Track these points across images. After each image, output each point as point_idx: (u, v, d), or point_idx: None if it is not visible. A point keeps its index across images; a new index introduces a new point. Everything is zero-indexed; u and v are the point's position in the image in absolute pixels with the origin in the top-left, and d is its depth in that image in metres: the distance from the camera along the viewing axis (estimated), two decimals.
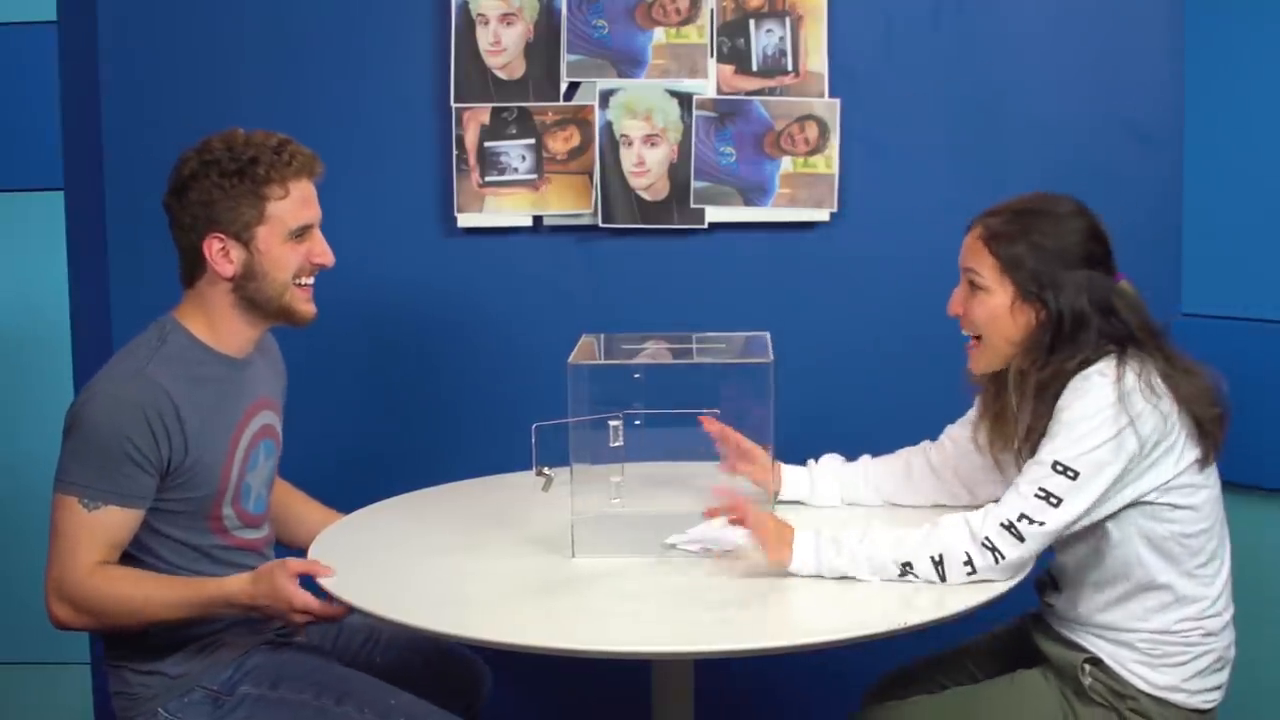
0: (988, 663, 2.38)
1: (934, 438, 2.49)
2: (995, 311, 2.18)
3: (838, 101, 2.96)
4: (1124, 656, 2.15)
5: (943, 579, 2.04)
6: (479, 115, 3.00)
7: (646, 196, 3.00)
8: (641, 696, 2.30)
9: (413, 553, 2.30)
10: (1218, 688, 2.18)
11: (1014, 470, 2.18)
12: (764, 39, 2.96)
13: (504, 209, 3.02)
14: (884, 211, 2.99)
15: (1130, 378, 2.08)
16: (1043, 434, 2.11)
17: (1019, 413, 2.15)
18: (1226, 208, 2.85)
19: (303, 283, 2.29)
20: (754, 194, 2.99)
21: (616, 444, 2.28)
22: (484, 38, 2.98)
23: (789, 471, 2.46)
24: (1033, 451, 2.12)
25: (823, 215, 2.99)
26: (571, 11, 2.97)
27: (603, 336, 2.51)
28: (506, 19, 2.97)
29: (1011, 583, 2.06)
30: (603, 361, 2.46)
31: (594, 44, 2.98)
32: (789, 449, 2.51)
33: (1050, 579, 2.28)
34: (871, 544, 2.06)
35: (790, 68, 2.97)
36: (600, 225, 3.01)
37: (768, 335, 2.40)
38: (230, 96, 3.01)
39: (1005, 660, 2.33)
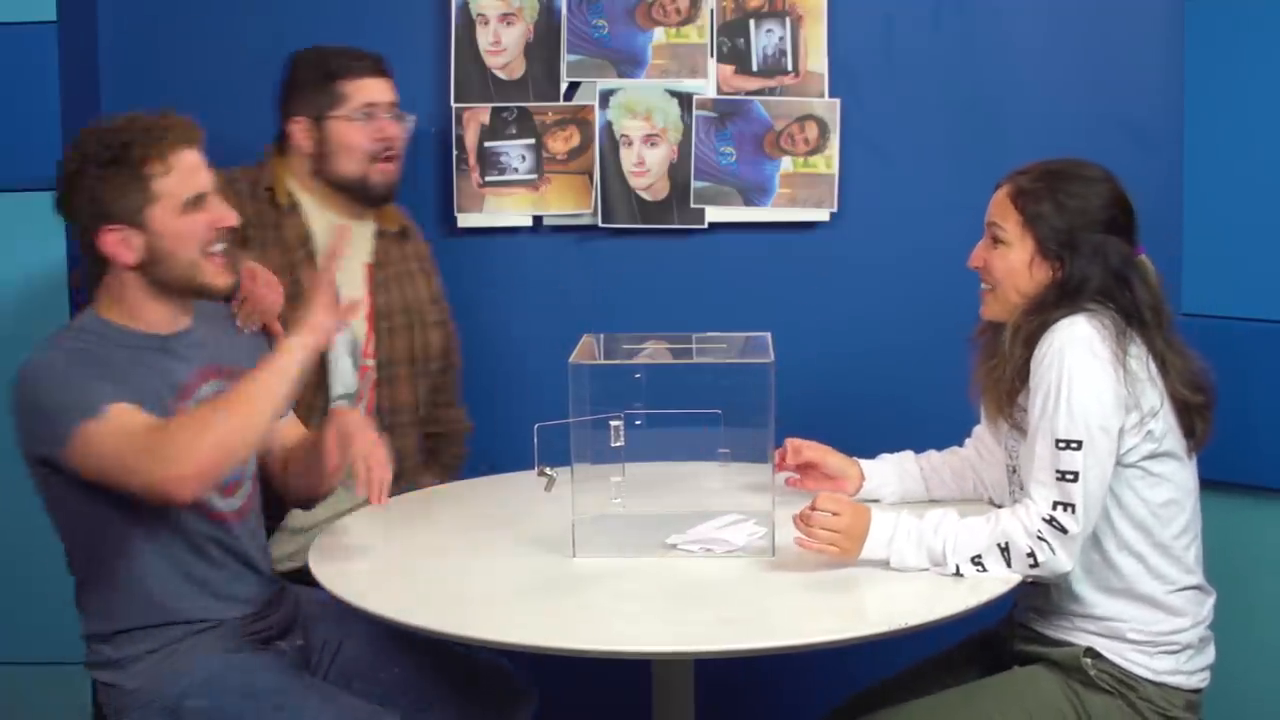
0: (966, 672, 2.37)
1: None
2: (1013, 265, 2.24)
3: (838, 101, 2.96)
4: (1121, 649, 2.18)
5: (1008, 565, 2.09)
6: (479, 115, 3.00)
7: (646, 196, 3.00)
8: (641, 696, 2.30)
9: (413, 553, 2.30)
10: (1207, 667, 2.23)
11: (1006, 430, 2.24)
12: (764, 39, 2.96)
13: (504, 209, 3.02)
14: (884, 211, 3.00)
15: (1102, 333, 2.12)
16: (1023, 383, 2.17)
17: (1007, 362, 2.21)
18: (1226, 208, 2.85)
19: (212, 252, 2.22)
20: (754, 194, 2.99)
21: (617, 444, 2.28)
22: (484, 38, 2.98)
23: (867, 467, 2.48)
24: (1010, 400, 2.19)
25: (823, 215, 3.00)
26: (571, 11, 2.97)
27: (603, 336, 2.50)
28: (506, 19, 2.97)
29: (1068, 566, 2.09)
30: (603, 361, 2.46)
31: (594, 44, 2.98)
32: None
33: None
34: (940, 535, 2.10)
35: (790, 68, 2.97)
36: (600, 225, 3.01)
37: (768, 335, 2.40)
38: (230, 96, 3.01)
39: (984, 668, 2.33)
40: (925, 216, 2.98)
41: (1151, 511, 2.17)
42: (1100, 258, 2.18)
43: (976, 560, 2.08)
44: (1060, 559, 2.08)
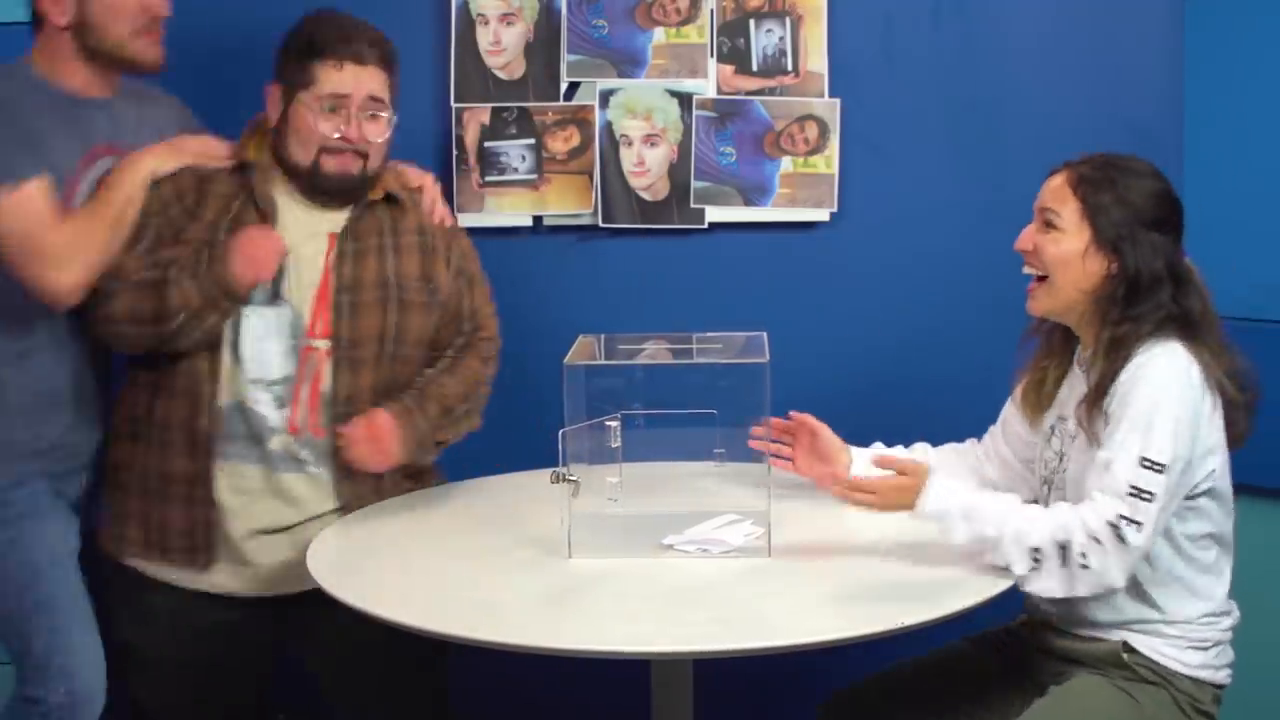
0: (984, 669, 2.36)
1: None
2: (1066, 252, 2.20)
3: (838, 101, 2.96)
4: (1156, 644, 2.18)
5: (1063, 564, 2.05)
6: (479, 115, 3.00)
7: (646, 196, 3.00)
8: (641, 696, 2.30)
9: (413, 553, 2.30)
10: (1230, 664, 2.24)
11: (1050, 433, 2.25)
12: (764, 39, 2.96)
13: (504, 209, 3.02)
14: (884, 211, 2.99)
15: (1199, 366, 2.12)
16: (1104, 392, 2.13)
17: (1090, 369, 2.18)
18: (1226, 208, 2.85)
19: (142, 31, 2.39)
20: (754, 194, 2.99)
21: (614, 444, 2.29)
22: (484, 38, 2.98)
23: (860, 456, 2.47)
24: (1099, 400, 2.13)
25: (823, 215, 3.00)
26: (571, 11, 2.97)
27: (602, 337, 2.51)
28: (506, 19, 2.97)
29: (1119, 582, 2.08)
30: (597, 362, 2.46)
31: (594, 44, 2.98)
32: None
33: None
34: (1000, 521, 2.08)
35: (790, 68, 2.97)
36: (600, 225, 3.01)
37: (764, 335, 2.40)
38: (230, 96, 3.00)
39: (1002, 666, 2.33)
40: (925, 216, 2.98)
41: (1213, 535, 2.20)
42: (1159, 255, 2.16)
43: (1035, 554, 2.05)
44: (1111, 566, 2.04)
